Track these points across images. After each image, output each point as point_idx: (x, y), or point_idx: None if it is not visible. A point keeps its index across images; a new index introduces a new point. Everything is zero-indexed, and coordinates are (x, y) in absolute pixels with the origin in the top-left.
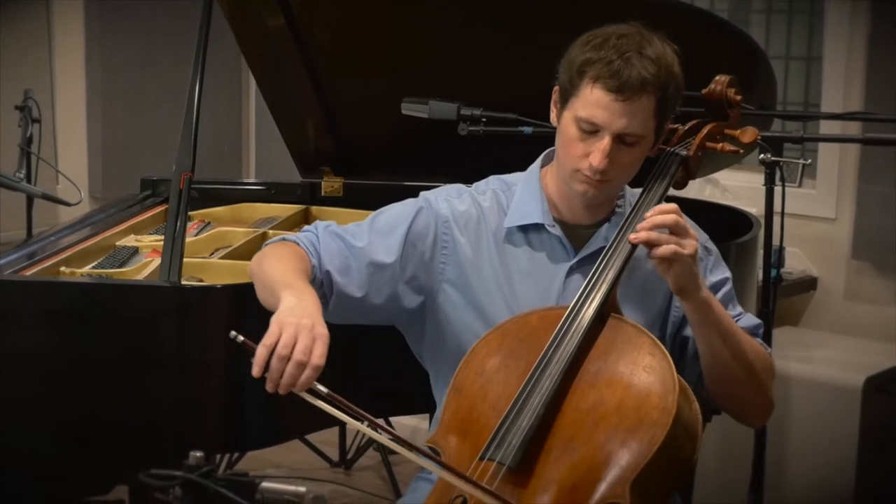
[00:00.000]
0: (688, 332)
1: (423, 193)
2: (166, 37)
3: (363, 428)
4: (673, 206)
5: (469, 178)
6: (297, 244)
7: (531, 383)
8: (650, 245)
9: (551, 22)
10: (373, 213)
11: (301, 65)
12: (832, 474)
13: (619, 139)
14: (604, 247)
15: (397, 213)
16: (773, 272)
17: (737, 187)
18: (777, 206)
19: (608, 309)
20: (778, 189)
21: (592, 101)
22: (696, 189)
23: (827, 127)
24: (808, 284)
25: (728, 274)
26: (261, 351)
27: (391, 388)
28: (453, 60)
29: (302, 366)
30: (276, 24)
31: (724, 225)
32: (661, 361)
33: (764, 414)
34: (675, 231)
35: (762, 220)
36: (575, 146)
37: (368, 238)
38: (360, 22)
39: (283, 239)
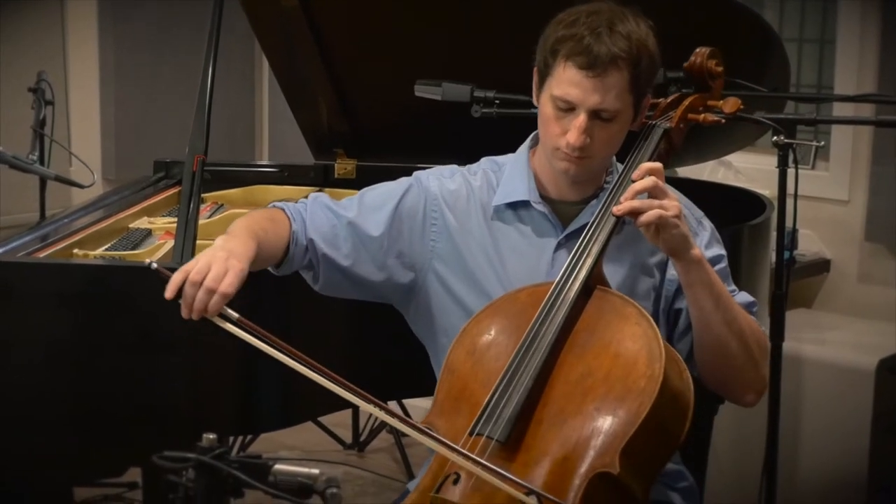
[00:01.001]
0: (680, 304)
1: (415, 173)
2: (179, 18)
3: (289, 362)
4: (653, 165)
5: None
6: (283, 211)
7: (518, 358)
8: (633, 215)
9: (568, 2)
10: (364, 189)
11: (314, 46)
12: (845, 456)
13: (595, 115)
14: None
15: (387, 190)
16: (787, 254)
17: (750, 169)
18: (790, 189)
19: (594, 281)
20: (791, 171)
21: (566, 80)
22: (710, 171)
23: (840, 109)
24: (821, 267)
25: (723, 252)
26: (176, 276)
27: (400, 370)
28: (467, 42)
29: (211, 292)
30: (290, 6)
31: (736, 207)
32: (647, 330)
33: (756, 391)
34: (655, 194)
35: (775, 203)
36: (553, 125)
37: (357, 210)
38: (373, 3)
39: (273, 205)
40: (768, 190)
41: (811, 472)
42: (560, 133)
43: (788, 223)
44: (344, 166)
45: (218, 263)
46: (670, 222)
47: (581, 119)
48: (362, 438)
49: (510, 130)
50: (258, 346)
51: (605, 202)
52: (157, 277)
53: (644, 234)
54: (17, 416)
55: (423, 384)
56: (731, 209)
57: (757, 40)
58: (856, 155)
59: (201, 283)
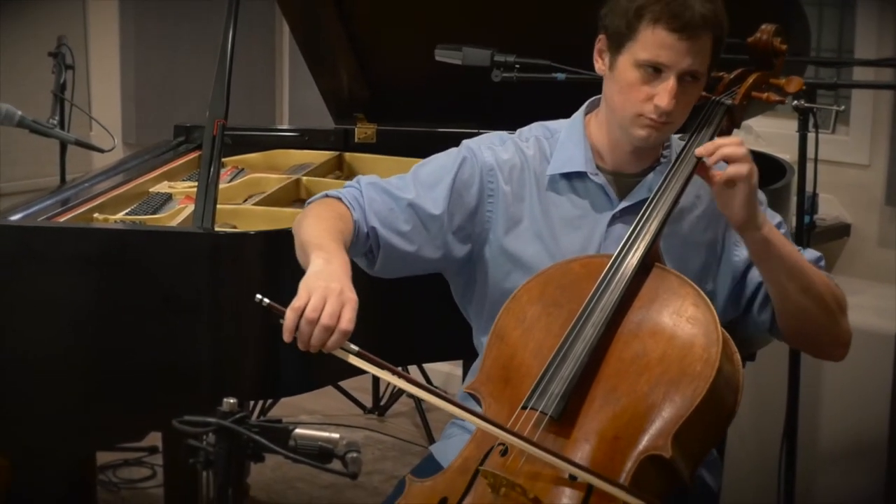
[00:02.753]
0: (752, 279)
1: (465, 142)
2: None
3: (399, 382)
4: (739, 138)
5: (502, 124)
6: (340, 200)
7: (574, 332)
8: (720, 160)
9: None
10: (415, 165)
11: (334, 10)
12: (865, 420)
13: (681, 79)
14: (648, 197)
15: (441, 165)
16: (807, 219)
17: (770, 134)
18: (810, 153)
19: (652, 258)
20: (811, 135)
21: (655, 43)
22: None
23: (860, 73)
24: (842, 231)
25: (780, 218)
26: (289, 315)
27: (423, 334)
28: (488, 6)
29: (329, 330)
30: None
31: (757, 172)
32: (705, 313)
33: (842, 345)
34: (737, 158)
35: (795, 167)
36: (636, 91)
37: (415, 190)
38: None
39: (327, 195)
40: (788, 154)
41: (831, 438)
42: (644, 99)
43: (809, 187)
44: (364, 130)
45: (333, 298)
46: (748, 185)
47: (671, 82)
48: (383, 403)
49: (531, 95)
50: (381, 375)
51: (667, 177)
52: (270, 313)
53: (717, 198)
54: (37, 380)
55: (445, 350)
56: None
57: (777, 4)
58: (876, 119)
59: (317, 321)
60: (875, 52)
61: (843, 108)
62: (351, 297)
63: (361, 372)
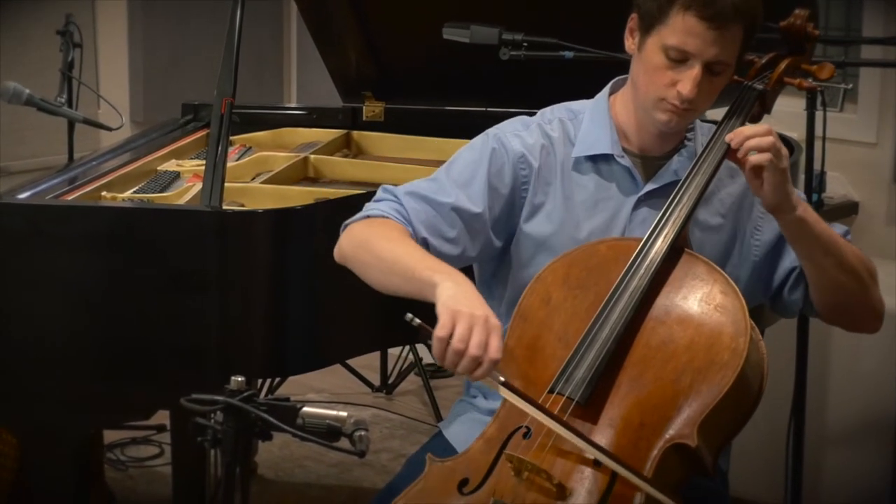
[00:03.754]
0: (782, 262)
1: (490, 132)
2: None
3: (542, 418)
4: (767, 126)
5: (510, 102)
6: (388, 218)
7: (602, 317)
8: (748, 150)
9: None
10: (444, 165)
11: None
12: (873, 399)
13: (707, 68)
14: (674, 181)
15: (473, 160)
16: (815, 197)
17: (778, 112)
18: (818, 131)
19: (681, 244)
20: (819, 114)
21: (684, 29)
22: None
23: (868, 52)
24: (850, 209)
25: (803, 195)
26: (436, 344)
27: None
28: None
29: (478, 361)
30: None
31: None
32: (734, 301)
33: (877, 316)
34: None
35: (803, 145)
36: (661, 75)
37: (454, 193)
38: None
39: (368, 216)
40: (796, 132)
41: (839, 416)
42: (668, 83)
43: (817, 166)
44: (372, 109)
45: (479, 328)
46: (779, 170)
47: (696, 71)
48: (391, 381)
49: (539, 73)
50: (525, 408)
51: (698, 162)
52: (420, 332)
53: (750, 181)
54: (46, 358)
55: None
56: None
57: None
58: (884, 97)
59: (465, 352)
60: (883, 30)
61: (850, 86)
62: (496, 323)
63: (368, 350)
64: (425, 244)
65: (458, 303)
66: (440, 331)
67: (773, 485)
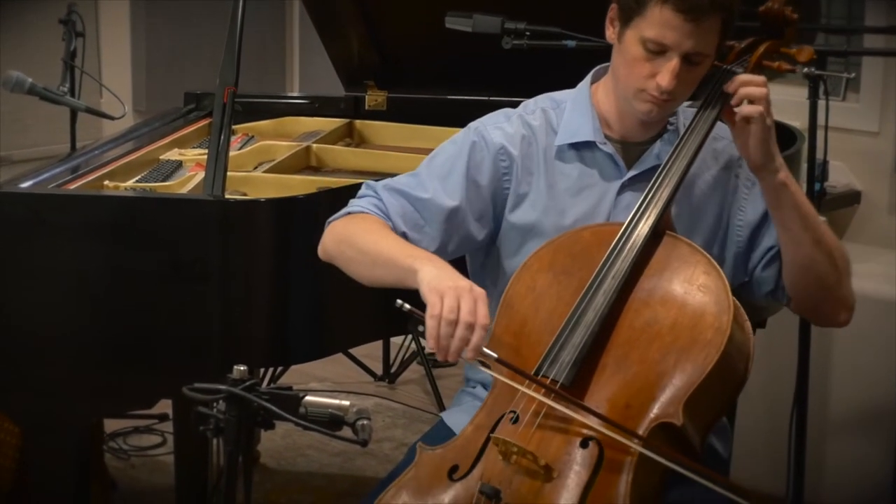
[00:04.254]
0: (760, 242)
1: (472, 125)
2: None
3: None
4: (763, 78)
5: (512, 91)
6: (367, 213)
7: (585, 300)
8: (742, 98)
9: None
10: (426, 158)
11: None
12: (875, 387)
13: (686, 59)
14: (656, 165)
15: (452, 154)
16: (817, 186)
17: (780, 101)
18: (821, 120)
19: (663, 226)
20: (821, 103)
21: (661, 22)
22: None
23: (871, 41)
24: (852, 198)
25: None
26: (430, 323)
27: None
28: None
29: (471, 327)
30: None
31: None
32: (717, 281)
33: (847, 308)
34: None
35: (806, 134)
36: (640, 66)
37: (430, 186)
38: None
39: (349, 212)
40: (799, 121)
41: (841, 404)
42: (647, 75)
43: (819, 155)
44: (374, 98)
45: (466, 296)
46: (764, 125)
47: (674, 63)
48: (393, 370)
49: (541, 62)
50: (520, 387)
51: (678, 146)
52: (410, 317)
53: (735, 139)
54: (48, 346)
55: None
56: None
57: None
58: (886, 86)
59: (457, 321)
60: (885, 19)
61: (853, 75)
62: (480, 291)
63: (371, 339)
64: (405, 238)
65: (442, 281)
66: (432, 309)
67: (776, 474)
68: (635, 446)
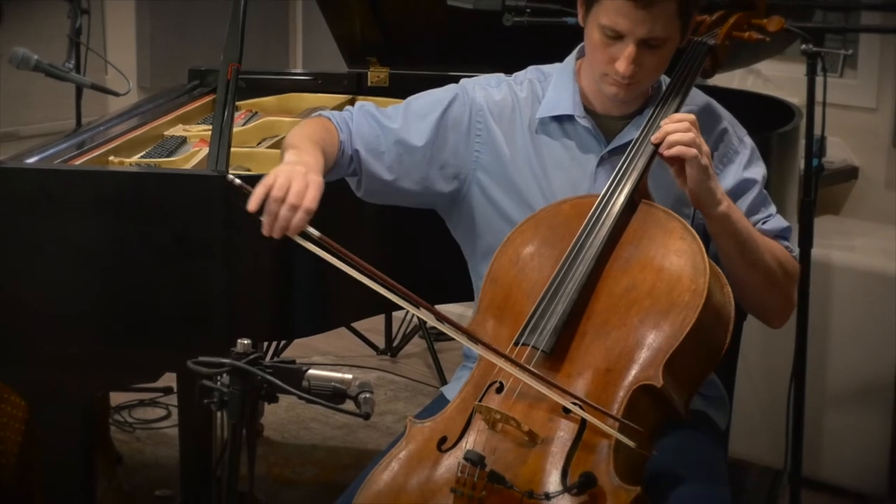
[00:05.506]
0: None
1: (462, 81)
2: None
3: (360, 277)
4: (689, 116)
5: (513, 68)
6: (329, 119)
7: (564, 269)
8: (670, 144)
9: None
10: (410, 97)
11: None
12: (873, 360)
13: (644, 44)
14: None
15: (433, 99)
16: (815, 162)
17: (779, 77)
18: (819, 96)
19: (639, 196)
20: (819, 79)
21: (614, 9)
22: (739, 79)
23: (868, 17)
24: (850, 174)
25: (764, 172)
26: (258, 190)
27: (437, 274)
28: None
29: (295, 208)
30: None
31: (766, 115)
32: (692, 244)
33: (782, 316)
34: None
35: (804, 110)
36: (601, 52)
37: (403, 120)
38: None
39: (320, 115)
40: (797, 98)
41: (839, 378)
42: (608, 60)
43: (817, 131)
44: (377, 74)
45: (298, 179)
46: (697, 164)
47: (630, 49)
48: (395, 344)
49: (542, 39)
50: (339, 265)
51: (651, 117)
52: (238, 193)
53: (675, 177)
54: (53, 321)
55: (456, 291)
56: (760, 117)
57: None
58: (884, 63)
59: (284, 200)
60: None
61: (850, 51)
62: (316, 178)
63: (373, 313)
64: (357, 156)
65: (284, 165)
66: (264, 181)
67: (774, 446)
68: (611, 424)
